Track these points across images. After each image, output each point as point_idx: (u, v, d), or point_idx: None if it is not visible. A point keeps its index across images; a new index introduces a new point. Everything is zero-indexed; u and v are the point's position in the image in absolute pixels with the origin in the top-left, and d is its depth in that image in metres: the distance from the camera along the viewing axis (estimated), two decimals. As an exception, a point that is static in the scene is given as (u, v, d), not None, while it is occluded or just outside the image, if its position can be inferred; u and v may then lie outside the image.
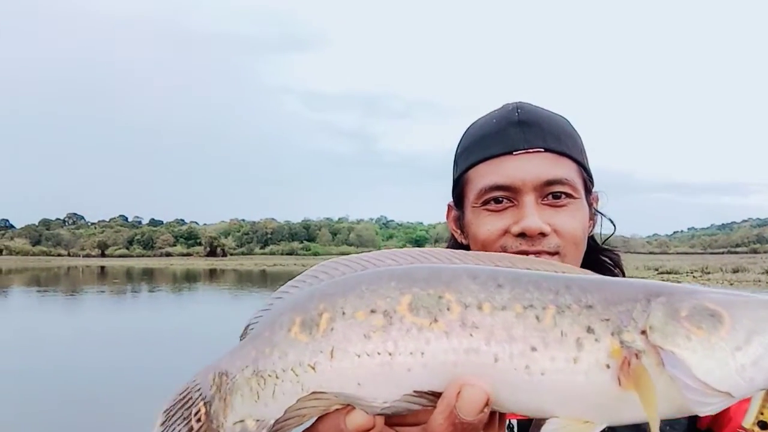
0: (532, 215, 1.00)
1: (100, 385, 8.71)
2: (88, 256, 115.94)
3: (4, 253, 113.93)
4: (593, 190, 1.13)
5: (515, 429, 1.00)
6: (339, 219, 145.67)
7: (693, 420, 1.01)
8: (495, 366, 0.62)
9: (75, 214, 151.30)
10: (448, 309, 0.64)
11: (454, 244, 1.15)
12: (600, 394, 0.61)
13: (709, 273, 33.41)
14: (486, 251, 1.02)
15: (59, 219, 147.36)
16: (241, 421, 0.70)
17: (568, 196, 1.03)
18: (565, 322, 0.62)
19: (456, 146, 1.16)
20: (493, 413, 0.64)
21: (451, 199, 1.17)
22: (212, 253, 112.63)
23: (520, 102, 1.10)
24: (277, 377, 0.68)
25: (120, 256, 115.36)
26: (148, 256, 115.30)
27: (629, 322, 0.62)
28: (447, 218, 1.17)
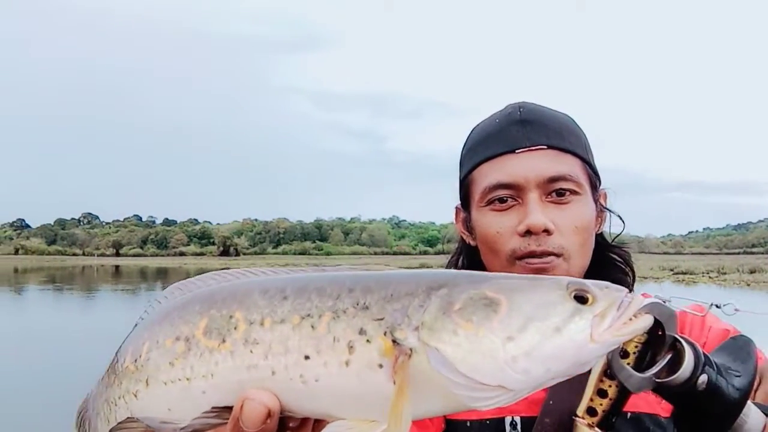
0: (536, 212, 1.00)
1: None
2: (102, 255, 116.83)
3: (20, 252, 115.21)
4: (601, 187, 1.12)
5: (518, 426, 1.01)
6: (351, 219, 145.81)
7: None
8: (273, 379, 0.64)
9: (90, 213, 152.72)
10: (235, 328, 0.67)
11: (463, 247, 1.15)
12: (376, 395, 0.62)
13: (725, 274, 33.07)
14: (494, 252, 1.04)
15: (74, 219, 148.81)
16: None
17: (573, 192, 1.02)
18: (339, 327, 0.63)
19: (461, 148, 1.16)
20: (305, 420, 0.67)
21: (459, 202, 1.17)
22: (225, 253, 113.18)
23: (522, 101, 1.10)
24: (115, 404, 0.75)
25: (134, 255, 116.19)
26: (162, 255, 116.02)
27: (403, 320, 0.62)
28: (455, 221, 1.17)
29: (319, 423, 0.68)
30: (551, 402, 0.98)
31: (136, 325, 0.79)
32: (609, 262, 1.13)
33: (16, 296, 27.53)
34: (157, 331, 0.72)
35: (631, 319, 0.62)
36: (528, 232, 1.00)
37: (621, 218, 1.15)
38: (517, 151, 1.03)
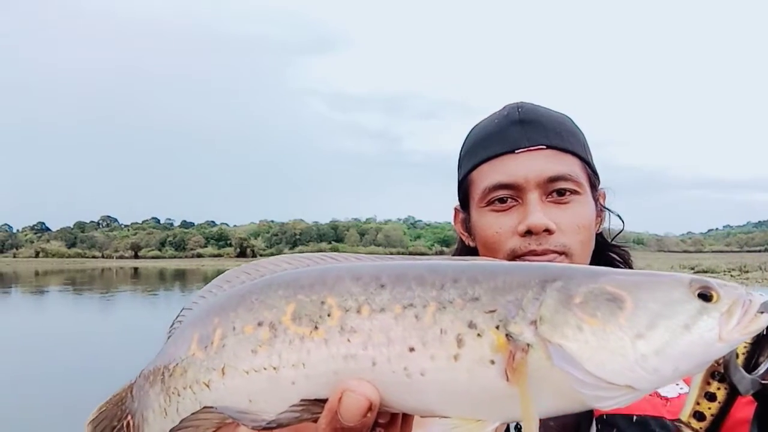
0: (537, 212, 0.99)
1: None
2: (121, 257, 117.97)
3: (40, 255, 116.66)
4: (600, 187, 1.12)
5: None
6: (367, 219, 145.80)
7: None
8: (373, 370, 0.61)
9: (109, 216, 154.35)
10: (329, 315, 0.63)
11: (462, 248, 1.15)
12: (486, 392, 0.59)
13: (747, 272, 32.63)
14: (493, 252, 1.03)
15: (93, 222, 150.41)
16: None
17: (573, 192, 1.02)
18: (446, 319, 0.60)
19: (459, 149, 1.15)
20: (395, 414, 0.64)
21: (458, 203, 1.16)
22: (242, 254, 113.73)
23: (521, 102, 1.10)
24: (178, 395, 0.69)
25: (153, 257, 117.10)
26: (180, 257, 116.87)
27: (517, 313, 0.59)
28: (454, 222, 1.17)
29: (407, 420, 0.66)
30: None
31: (185, 310, 0.75)
32: (608, 261, 1.13)
33: (37, 298, 27.86)
34: (232, 316, 0.68)
35: (754, 318, 0.60)
36: (529, 232, 0.99)
37: (620, 217, 1.15)
38: (516, 151, 1.02)
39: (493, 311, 0.59)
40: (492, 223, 1.03)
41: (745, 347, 0.75)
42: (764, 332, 0.72)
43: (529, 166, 1.01)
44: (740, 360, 0.75)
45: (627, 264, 1.14)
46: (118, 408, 0.77)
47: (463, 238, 1.14)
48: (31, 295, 29.89)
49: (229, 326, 0.67)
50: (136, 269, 65.04)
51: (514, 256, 1.00)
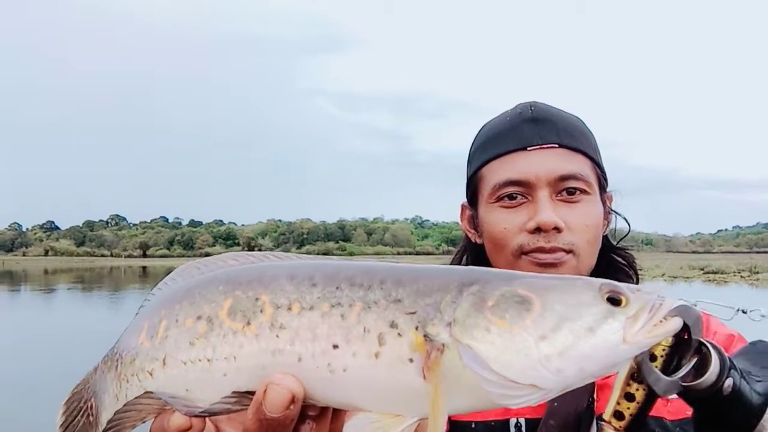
0: (547, 209, 0.99)
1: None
2: (130, 256, 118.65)
3: (50, 253, 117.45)
4: (608, 189, 1.12)
5: (523, 428, 1.00)
6: (374, 219, 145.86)
7: None
8: (299, 365, 0.63)
9: (117, 215, 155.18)
10: (261, 311, 0.66)
11: (468, 244, 1.15)
12: (404, 389, 0.61)
13: (758, 273, 32.34)
14: (500, 248, 1.04)
15: (102, 220, 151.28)
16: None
17: (583, 192, 1.02)
18: (370, 318, 0.63)
19: (470, 146, 1.15)
20: (324, 408, 0.66)
21: (465, 200, 1.16)
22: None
23: (533, 101, 1.10)
24: (127, 381, 0.73)
25: (161, 256, 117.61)
26: (188, 256, 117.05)
27: (435, 315, 0.62)
28: (461, 219, 1.17)
29: (338, 413, 0.68)
30: (555, 404, 0.97)
31: (145, 301, 0.78)
32: (613, 264, 1.13)
33: (46, 297, 28.03)
34: (177, 309, 0.71)
35: (661, 322, 0.62)
36: (538, 229, 0.99)
37: (626, 220, 1.15)
38: (528, 148, 1.02)
39: (414, 313, 0.62)
40: (501, 220, 1.03)
41: (663, 349, 0.77)
42: (684, 335, 0.75)
43: (540, 163, 1.01)
44: (659, 362, 0.76)
45: (631, 267, 1.13)
46: (85, 389, 0.80)
47: (470, 235, 1.14)
48: (41, 293, 30.08)
49: (173, 318, 0.70)
50: (144, 268, 65.34)
51: (522, 252, 1.01)
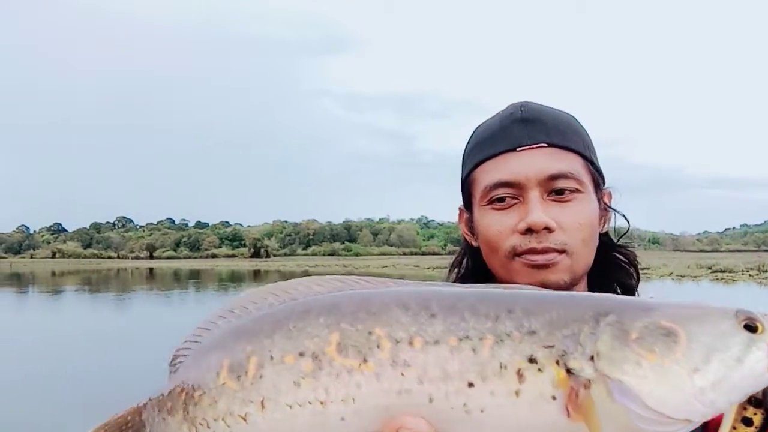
0: (537, 210, 0.98)
1: (149, 384, 8.84)
2: (137, 258, 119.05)
3: (57, 255, 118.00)
4: (606, 186, 1.11)
5: None
6: (380, 219, 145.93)
7: None
8: (430, 406, 0.59)
9: (124, 217, 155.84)
10: (378, 347, 0.61)
11: (467, 248, 1.14)
12: (548, 428, 0.58)
13: (766, 271, 32.18)
14: (494, 250, 1.03)
15: (109, 222, 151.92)
16: None
17: (574, 190, 1.01)
18: (505, 353, 0.59)
19: (464, 149, 1.14)
20: None
21: (462, 203, 1.14)
22: (256, 255, 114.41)
23: (524, 101, 1.09)
24: (208, 426, 0.65)
25: (168, 257, 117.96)
26: (195, 257, 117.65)
27: (576, 348, 0.58)
28: (459, 222, 1.15)
29: None
30: None
31: (200, 330, 0.71)
32: (613, 262, 1.12)
33: (53, 299, 28.15)
34: (267, 343, 0.64)
35: None
36: (529, 230, 0.98)
37: (625, 217, 1.13)
38: (518, 149, 1.01)
39: (552, 346, 0.59)
40: (493, 222, 1.02)
41: None
42: None
43: (529, 164, 1.00)
44: None
45: (632, 265, 1.12)
46: (133, 425, 0.72)
47: (468, 238, 1.12)
48: (48, 295, 30.22)
49: (266, 355, 0.64)
50: (151, 270, 65.61)
51: (515, 254, 0.99)
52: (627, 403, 0.56)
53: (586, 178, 1.03)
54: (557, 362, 0.58)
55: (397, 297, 0.63)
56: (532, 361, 0.58)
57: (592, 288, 1.05)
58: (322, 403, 0.61)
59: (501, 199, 1.01)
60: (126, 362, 10.78)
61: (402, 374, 0.59)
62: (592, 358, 0.58)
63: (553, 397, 0.57)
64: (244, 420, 0.63)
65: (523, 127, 1.03)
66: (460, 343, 0.59)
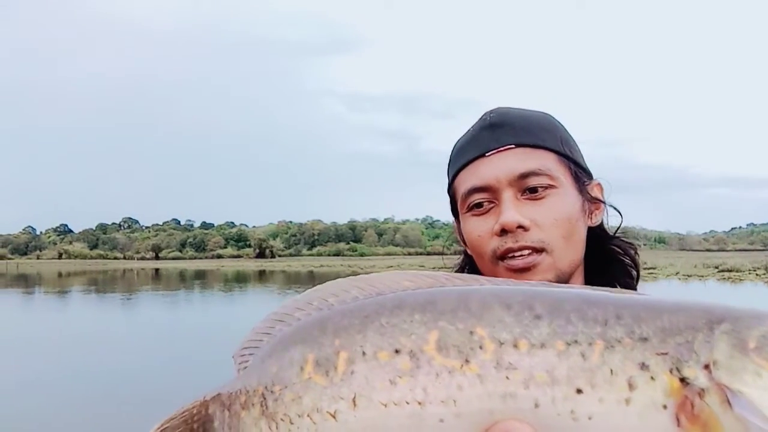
0: (509, 210, 0.98)
1: (155, 384, 8.87)
2: (142, 258, 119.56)
3: (63, 256, 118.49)
4: (595, 179, 1.10)
5: None
6: (385, 219, 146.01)
7: None
8: (536, 412, 0.57)
9: (130, 218, 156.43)
10: (480, 347, 0.58)
11: (467, 258, 1.14)
12: None
13: (772, 271, 31.88)
14: (480, 256, 1.04)
15: (115, 223, 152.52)
16: None
17: (548, 186, 1.01)
18: (615, 359, 0.57)
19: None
20: None
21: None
22: (261, 255, 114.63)
23: (496, 107, 1.10)
24: (291, 422, 0.63)
25: (173, 258, 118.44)
26: (200, 258, 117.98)
27: (690, 356, 0.56)
28: (456, 233, 1.17)
29: None
30: None
31: (273, 322, 0.69)
32: (610, 256, 1.10)
33: (60, 299, 28.27)
34: (358, 338, 0.61)
35: None
36: (504, 231, 0.99)
37: (617, 210, 1.12)
38: (487, 154, 1.03)
39: (665, 353, 0.57)
40: (474, 228, 1.03)
41: None
42: None
43: (498, 166, 1.01)
44: None
45: (630, 257, 1.11)
46: (188, 427, 0.69)
47: (466, 248, 1.13)
48: (55, 296, 30.35)
49: (357, 350, 0.61)
50: (157, 270, 65.81)
51: (496, 257, 1.00)
52: (746, 415, 0.54)
53: (561, 173, 1.03)
54: (670, 370, 0.56)
55: (498, 295, 0.61)
56: (644, 368, 0.56)
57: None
58: (420, 403, 0.58)
59: (479, 205, 1.03)
60: (132, 362, 10.82)
61: (507, 377, 0.57)
62: (707, 366, 0.56)
63: (664, 406, 0.56)
64: (333, 417, 0.60)
65: (491, 132, 1.05)
66: (569, 348, 0.57)
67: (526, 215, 0.99)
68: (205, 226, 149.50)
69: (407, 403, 0.58)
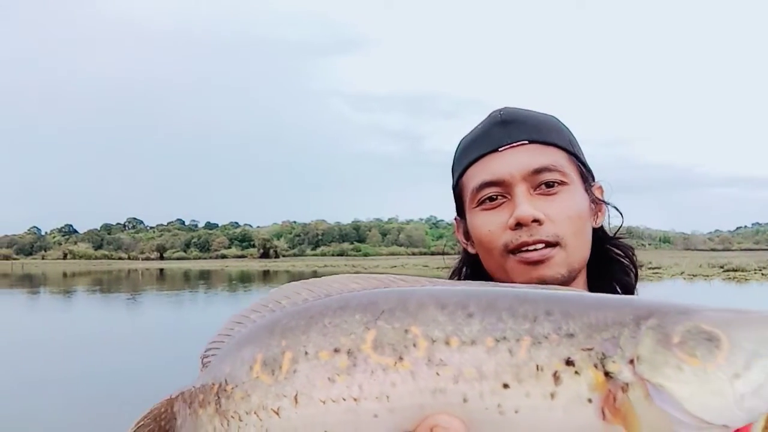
0: (524, 204, 0.99)
1: (159, 384, 8.88)
2: (147, 259, 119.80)
3: (68, 257, 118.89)
4: (597, 181, 1.12)
5: None
6: (389, 219, 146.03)
7: None
8: (464, 406, 0.59)
9: (135, 218, 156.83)
10: (414, 345, 0.61)
11: (467, 257, 1.15)
12: (582, 430, 0.58)
13: (778, 271, 31.75)
14: (488, 251, 1.04)
15: (120, 224, 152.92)
16: None
17: (560, 183, 1.02)
18: (542, 355, 0.58)
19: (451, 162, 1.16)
20: None
21: (456, 214, 1.16)
22: (265, 255, 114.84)
23: (505, 106, 1.12)
24: (240, 419, 0.65)
25: (178, 258, 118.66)
26: (205, 258, 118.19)
27: (615, 351, 0.58)
28: (456, 233, 1.17)
29: None
30: None
31: (232, 324, 0.72)
32: (609, 257, 1.12)
33: (65, 299, 28.35)
34: (302, 339, 0.64)
35: None
36: (519, 225, 0.99)
37: (618, 210, 1.13)
38: (499, 149, 1.04)
39: (590, 349, 0.58)
40: (484, 222, 1.03)
41: None
42: None
43: (512, 161, 1.02)
44: None
45: (629, 258, 1.12)
46: (157, 425, 0.73)
47: (466, 247, 1.13)
48: (60, 296, 30.45)
49: (300, 350, 0.64)
50: (161, 270, 65.95)
51: (508, 250, 1.00)
52: (667, 408, 0.56)
53: (572, 171, 1.04)
54: (595, 365, 0.58)
55: (435, 296, 0.63)
56: (569, 363, 0.58)
57: (591, 287, 1.06)
58: (355, 399, 0.61)
59: (491, 199, 1.03)
60: (137, 361, 10.84)
61: (437, 373, 0.59)
62: (631, 361, 0.58)
63: (589, 400, 0.57)
64: (277, 414, 0.63)
65: (503, 128, 1.05)
66: (497, 344, 0.59)
67: (540, 210, 0.99)
68: (210, 226, 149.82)
69: (344, 399, 0.61)
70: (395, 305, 0.63)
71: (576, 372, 0.58)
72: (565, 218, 1.00)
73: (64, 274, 59.37)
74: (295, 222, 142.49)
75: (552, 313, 0.60)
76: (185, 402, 0.71)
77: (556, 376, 0.58)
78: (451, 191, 1.16)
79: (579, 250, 1.02)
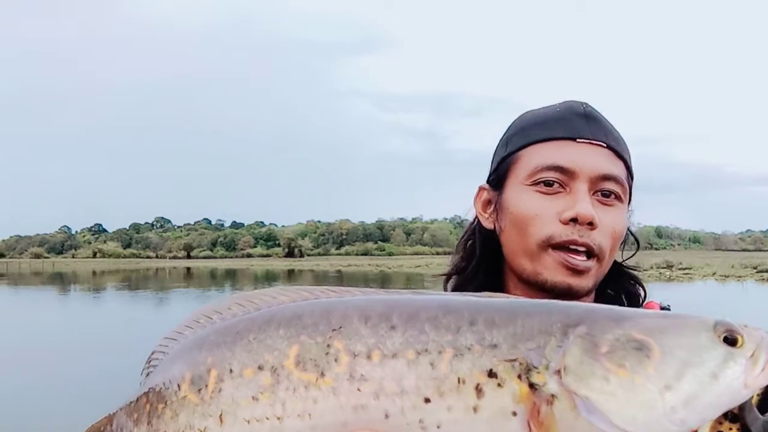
0: (586, 201, 0.96)
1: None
2: (174, 257, 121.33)
3: (98, 255, 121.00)
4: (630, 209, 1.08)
5: None
6: (413, 219, 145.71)
7: None
8: (386, 422, 0.57)
9: (162, 218, 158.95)
10: (336, 360, 0.59)
11: (479, 227, 1.10)
12: None
13: (813, 271, 30.89)
14: (525, 234, 0.99)
15: (148, 223, 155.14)
16: None
17: (618, 197, 1.00)
18: (464, 367, 0.57)
19: (504, 132, 1.11)
20: None
21: (485, 183, 1.11)
22: (290, 254, 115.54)
23: (585, 101, 1.09)
24: None
25: (204, 257, 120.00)
26: (231, 257, 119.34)
27: (540, 362, 0.56)
28: (475, 200, 1.11)
29: None
30: None
31: (166, 340, 0.71)
32: (618, 276, 1.09)
33: (95, 297, 28.89)
34: (227, 356, 0.63)
35: None
36: (574, 220, 0.96)
37: (635, 237, 1.11)
38: (578, 139, 1.01)
39: (514, 360, 0.57)
40: (534, 205, 0.99)
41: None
42: None
43: (587, 156, 0.99)
44: (755, 400, 0.71)
45: (638, 283, 1.11)
46: None
47: (482, 219, 1.08)
48: (89, 294, 31.04)
49: (226, 368, 0.63)
50: (188, 269, 66.78)
51: (549, 243, 0.96)
52: (593, 420, 0.55)
53: (626, 191, 1.03)
54: (519, 377, 0.56)
55: (360, 308, 0.62)
56: (491, 375, 0.56)
57: (597, 298, 1.04)
58: (279, 418, 0.60)
59: (549, 184, 0.99)
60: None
61: (358, 389, 0.58)
62: (558, 372, 0.56)
63: (514, 413, 0.56)
64: None
65: (585, 121, 1.03)
66: (418, 357, 0.58)
67: (596, 215, 0.98)
68: (236, 225, 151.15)
69: (267, 418, 0.60)
70: (319, 319, 0.62)
71: (499, 384, 0.56)
72: (611, 232, 0.99)
73: (94, 273, 60.50)
74: (319, 221, 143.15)
75: (476, 323, 0.59)
76: (123, 418, 0.71)
77: (478, 389, 0.56)
78: (494, 156, 1.10)
79: (607, 267, 1.01)
